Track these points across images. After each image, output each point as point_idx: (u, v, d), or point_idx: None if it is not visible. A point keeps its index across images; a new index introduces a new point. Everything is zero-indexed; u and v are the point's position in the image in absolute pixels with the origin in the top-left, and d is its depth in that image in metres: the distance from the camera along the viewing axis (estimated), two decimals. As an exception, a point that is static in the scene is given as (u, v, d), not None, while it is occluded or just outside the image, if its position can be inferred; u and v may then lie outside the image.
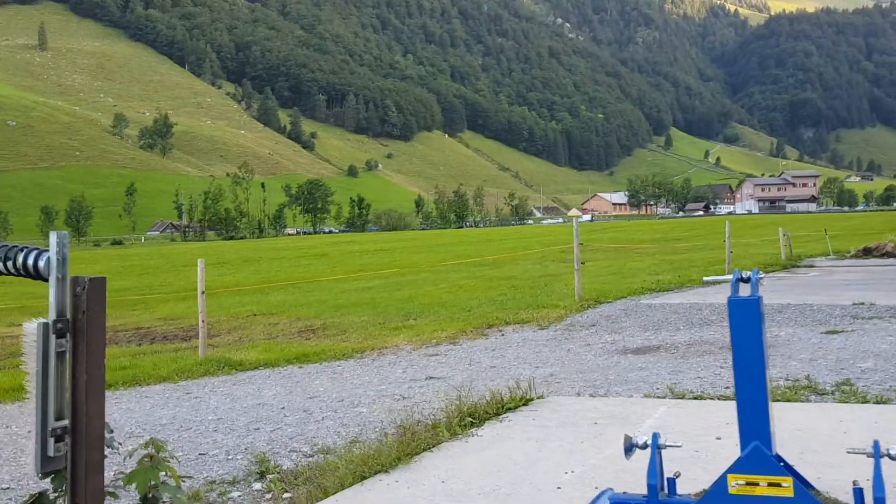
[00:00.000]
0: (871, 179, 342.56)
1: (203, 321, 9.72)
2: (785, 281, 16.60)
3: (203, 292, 9.70)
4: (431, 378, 8.13)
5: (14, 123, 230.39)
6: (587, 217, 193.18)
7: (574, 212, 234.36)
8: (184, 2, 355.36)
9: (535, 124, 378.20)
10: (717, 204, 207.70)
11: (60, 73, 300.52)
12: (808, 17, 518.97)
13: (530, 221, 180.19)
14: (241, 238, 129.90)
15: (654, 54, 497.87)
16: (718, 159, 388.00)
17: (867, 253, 24.90)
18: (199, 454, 5.69)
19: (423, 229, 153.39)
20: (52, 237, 1.95)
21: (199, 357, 9.67)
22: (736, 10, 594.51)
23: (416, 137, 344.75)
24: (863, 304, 11.40)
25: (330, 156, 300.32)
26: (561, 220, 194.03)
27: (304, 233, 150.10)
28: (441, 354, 9.65)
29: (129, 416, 7.30)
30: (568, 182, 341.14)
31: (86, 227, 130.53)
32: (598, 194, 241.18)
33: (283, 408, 7.15)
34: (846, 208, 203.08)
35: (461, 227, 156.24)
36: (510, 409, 5.72)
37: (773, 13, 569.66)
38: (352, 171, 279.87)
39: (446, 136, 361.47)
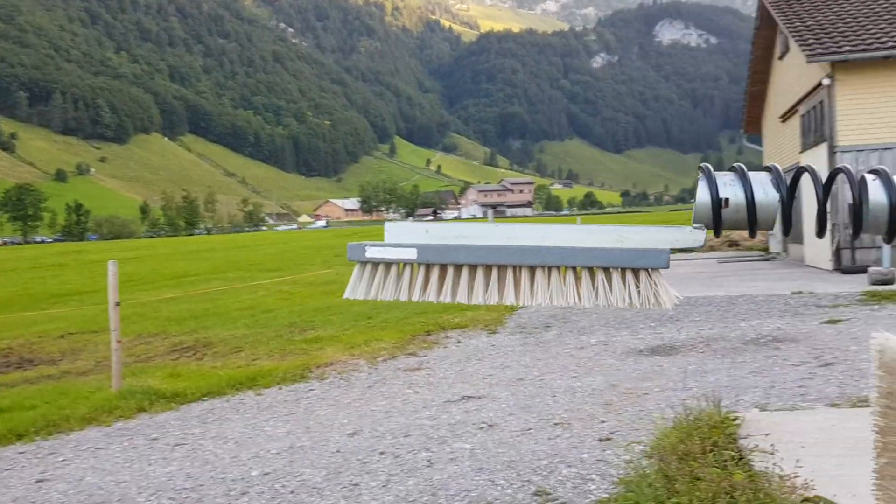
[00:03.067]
0: (571, 186, 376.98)
1: (119, 342, 7.39)
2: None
3: (118, 303, 7.38)
4: (469, 398, 6.71)
5: None
6: (322, 223, 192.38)
7: (305, 217, 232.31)
8: None
9: (260, 129, 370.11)
10: (443, 209, 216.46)
11: None
12: (514, 36, 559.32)
13: (264, 228, 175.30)
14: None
15: (377, 64, 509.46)
16: (440, 167, 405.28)
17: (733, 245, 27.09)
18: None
19: (150, 237, 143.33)
20: None
21: (113, 390, 7.35)
22: (450, 26, 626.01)
23: (133, 140, 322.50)
24: (801, 293, 11.62)
25: (34, 158, 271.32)
26: (295, 226, 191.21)
27: (13, 243, 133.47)
28: (420, 368, 8.18)
29: (111, 477, 5.10)
30: (296, 188, 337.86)
31: None
32: (331, 200, 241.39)
33: (337, 451, 5.39)
34: (552, 212, 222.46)
35: (192, 235, 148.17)
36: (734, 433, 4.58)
37: (482, 31, 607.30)
38: (60, 176, 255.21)
39: (166, 139, 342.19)
